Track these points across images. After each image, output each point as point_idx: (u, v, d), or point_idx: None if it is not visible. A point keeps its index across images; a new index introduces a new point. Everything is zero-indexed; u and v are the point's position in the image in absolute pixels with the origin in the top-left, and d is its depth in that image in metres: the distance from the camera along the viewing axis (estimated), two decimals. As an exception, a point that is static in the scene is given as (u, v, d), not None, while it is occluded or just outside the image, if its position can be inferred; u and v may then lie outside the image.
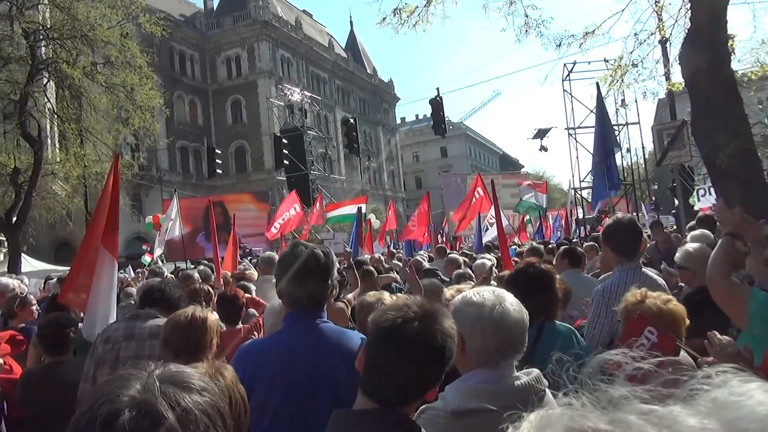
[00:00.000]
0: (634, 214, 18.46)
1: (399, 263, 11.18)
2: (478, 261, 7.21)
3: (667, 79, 10.81)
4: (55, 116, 15.74)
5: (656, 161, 14.26)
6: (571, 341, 2.74)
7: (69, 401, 3.06)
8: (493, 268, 6.56)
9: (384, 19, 9.53)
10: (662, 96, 15.42)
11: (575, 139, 20.41)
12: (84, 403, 0.80)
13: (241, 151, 50.56)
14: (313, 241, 13.74)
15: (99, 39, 14.58)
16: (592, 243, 8.93)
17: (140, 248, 14.40)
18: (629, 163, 23.55)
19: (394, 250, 17.16)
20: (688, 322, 2.46)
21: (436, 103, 21.35)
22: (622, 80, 10.19)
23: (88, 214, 18.59)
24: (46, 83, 15.26)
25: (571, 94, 20.53)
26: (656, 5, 8.87)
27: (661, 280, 3.57)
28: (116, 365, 3.21)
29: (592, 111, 15.15)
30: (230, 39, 51.18)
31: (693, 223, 7.65)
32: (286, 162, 29.11)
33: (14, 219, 13.98)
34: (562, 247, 5.92)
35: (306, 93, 39.36)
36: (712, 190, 11.11)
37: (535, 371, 1.83)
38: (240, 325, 4.63)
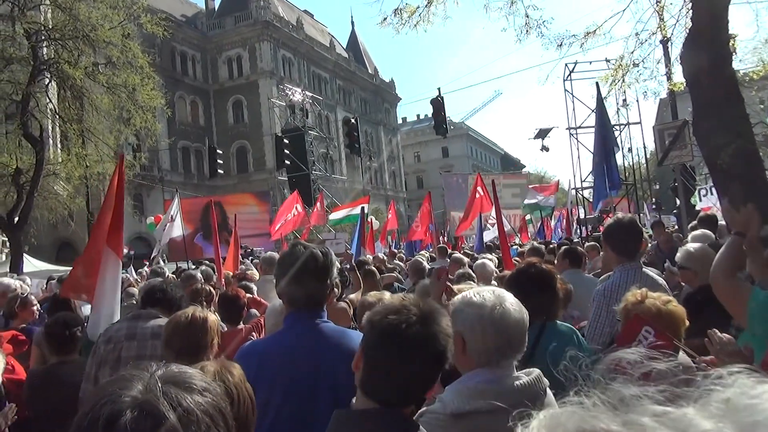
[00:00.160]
0: (636, 214, 18.47)
1: (400, 263, 11.20)
2: (479, 261, 7.20)
3: (669, 78, 10.80)
4: (57, 117, 15.76)
5: (658, 161, 14.24)
6: (572, 341, 2.74)
7: (72, 402, 3.07)
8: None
9: (385, 19, 9.53)
10: (663, 96, 15.41)
11: (576, 139, 20.39)
12: (86, 404, 0.80)
13: (243, 151, 50.61)
14: (314, 241, 13.74)
15: (100, 39, 14.59)
16: (593, 243, 8.94)
17: (142, 248, 14.43)
18: (631, 163, 23.55)
19: (395, 250, 17.18)
20: (687, 323, 2.46)
21: (438, 103, 21.35)
22: (623, 80, 10.18)
23: (90, 214, 18.62)
24: (48, 84, 15.28)
25: (572, 93, 20.52)
26: (657, 5, 8.86)
27: (661, 280, 3.57)
28: (118, 365, 3.21)
29: (593, 111, 15.14)
30: (231, 39, 51.23)
31: (694, 223, 7.64)
32: (287, 162, 29.13)
33: (16, 219, 14.00)
34: (563, 247, 5.92)
35: (307, 93, 39.40)
36: (713, 189, 11.11)
37: (536, 371, 1.84)
38: (241, 326, 4.64)
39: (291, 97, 37.51)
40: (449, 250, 11.15)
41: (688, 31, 7.15)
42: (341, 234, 20.49)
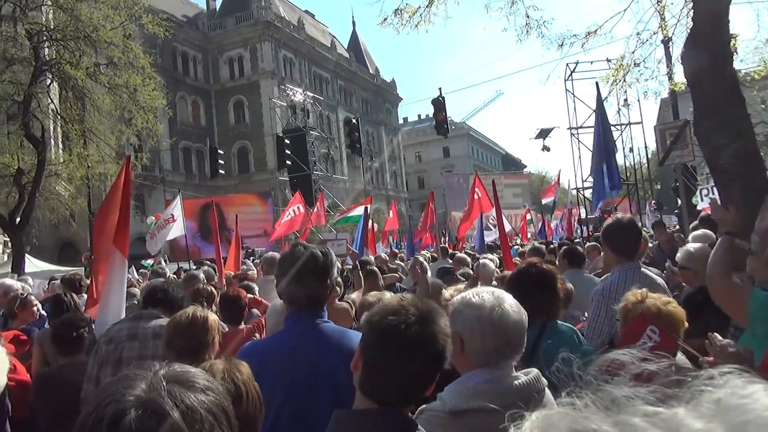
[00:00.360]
0: (637, 214, 18.45)
1: (401, 263, 11.21)
2: (480, 261, 7.21)
3: (670, 78, 10.79)
4: (59, 117, 15.77)
5: (659, 161, 14.23)
6: (573, 341, 2.75)
7: (76, 402, 3.08)
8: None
9: (385, 19, 9.52)
10: (665, 95, 15.41)
11: (578, 138, 20.40)
12: (90, 403, 0.81)
13: (244, 151, 50.64)
14: (314, 241, 13.74)
15: (102, 40, 14.60)
16: (594, 243, 8.94)
17: (143, 249, 14.42)
18: (632, 163, 23.53)
19: (396, 250, 17.19)
20: (686, 324, 2.46)
21: (439, 103, 21.34)
22: (624, 80, 10.17)
23: (92, 214, 18.62)
24: (50, 84, 15.28)
25: (573, 93, 20.53)
26: (658, 5, 8.85)
27: (660, 280, 3.58)
28: (119, 365, 3.22)
29: (594, 111, 15.14)
30: (233, 39, 51.27)
31: (695, 222, 7.64)
32: (288, 162, 29.16)
33: (18, 219, 14.01)
34: (563, 248, 5.94)
35: (308, 93, 39.43)
36: (715, 189, 11.09)
37: (534, 371, 1.84)
38: (242, 326, 4.64)
39: (292, 97, 37.54)
40: (450, 251, 11.16)
41: (689, 30, 7.14)
42: (343, 234, 20.50)
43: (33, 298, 5.65)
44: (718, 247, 2.68)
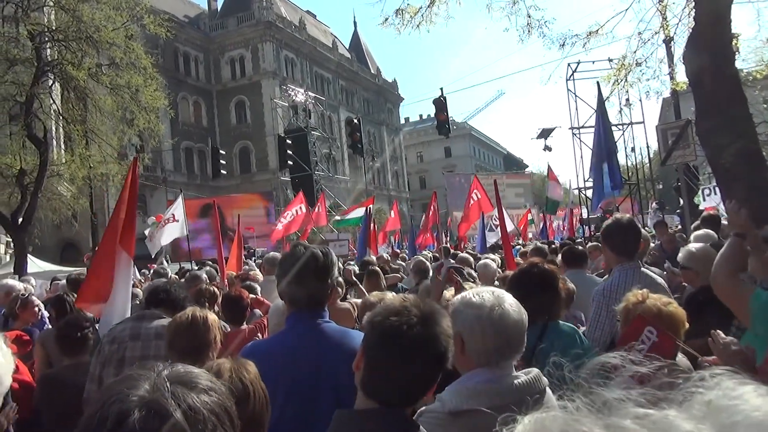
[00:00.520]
0: (639, 214, 18.44)
1: (403, 263, 11.21)
2: (482, 261, 7.21)
3: (672, 78, 10.78)
4: (61, 118, 15.80)
5: (661, 161, 14.21)
6: (574, 341, 2.75)
7: (78, 403, 3.09)
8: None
9: (387, 20, 9.51)
10: (666, 95, 15.39)
11: (579, 138, 20.38)
12: (94, 404, 0.81)
13: (246, 151, 50.68)
14: (315, 241, 13.75)
15: (104, 40, 14.61)
16: (596, 243, 8.93)
17: (145, 249, 14.42)
18: (634, 163, 23.48)
19: (398, 250, 17.19)
20: (687, 325, 2.46)
21: (440, 103, 21.33)
22: (626, 79, 10.17)
23: (93, 215, 18.67)
24: (52, 85, 15.31)
25: (575, 93, 20.52)
26: (660, 4, 8.84)
27: (660, 280, 3.57)
28: (122, 365, 3.22)
29: (595, 110, 15.12)
30: (234, 40, 51.31)
31: (697, 222, 7.63)
32: (290, 162, 29.19)
33: (20, 220, 14.03)
34: (565, 248, 5.94)
35: (310, 93, 39.45)
36: (716, 189, 11.09)
37: (535, 370, 1.84)
38: (244, 326, 4.65)
39: (294, 97, 37.58)
40: (452, 251, 11.16)
41: (690, 30, 7.14)
42: (344, 234, 20.50)
43: (35, 298, 5.66)
44: (727, 248, 2.68)
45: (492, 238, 14.08)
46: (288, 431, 2.12)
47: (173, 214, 12.23)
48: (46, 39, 14.70)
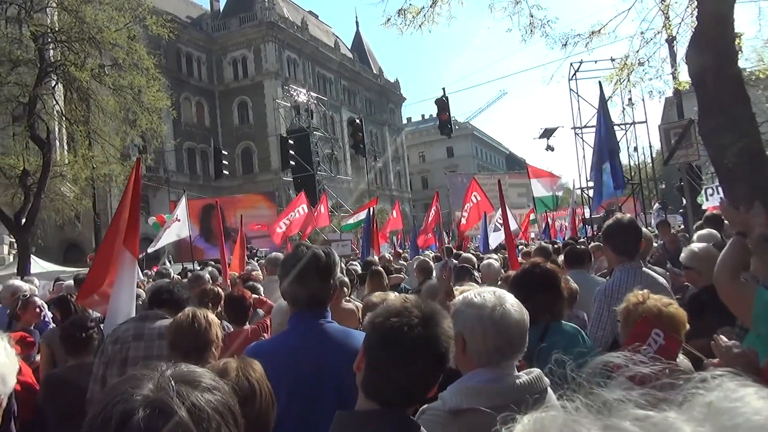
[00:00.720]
0: (642, 213, 18.39)
1: (405, 263, 11.22)
2: (485, 261, 7.21)
3: (674, 77, 10.75)
4: (64, 118, 15.83)
5: (663, 160, 14.18)
6: (577, 341, 2.75)
7: (81, 403, 3.10)
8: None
9: (389, 20, 9.51)
10: (669, 94, 15.34)
11: (582, 138, 20.31)
12: (98, 404, 0.82)
13: (248, 152, 50.72)
14: (317, 241, 13.77)
15: (106, 41, 14.64)
16: (598, 243, 8.92)
17: (148, 249, 14.48)
18: (636, 163, 23.41)
19: (401, 250, 17.20)
20: (687, 326, 2.46)
21: (442, 103, 21.31)
22: (629, 79, 10.15)
23: (96, 215, 18.71)
24: (55, 86, 15.35)
25: (577, 93, 20.45)
26: (662, 4, 8.82)
27: (662, 280, 3.57)
28: (125, 365, 3.23)
29: (597, 110, 15.08)
30: (236, 40, 51.36)
31: (700, 222, 7.62)
32: (292, 163, 29.21)
33: (23, 221, 14.06)
34: (567, 248, 5.94)
35: (312, 94, 39.48)
36: (719, 189, 11.05)
37: (536, 370, 1.85)
38: (247, 326, 4.65)
39: (296, 97, 37.61)
40: (454, 251, 11.16)
41: (693, 30, 7.13)
42: (347, 234, 20.50)
43: (37, 299, 5.65)
44: (729, 248, 2.67)
45: (498, 239, 14.08)
46: (290, 431, 2.13)
47: (177, 215, 12.27)
48: (49, 40, 14.74)
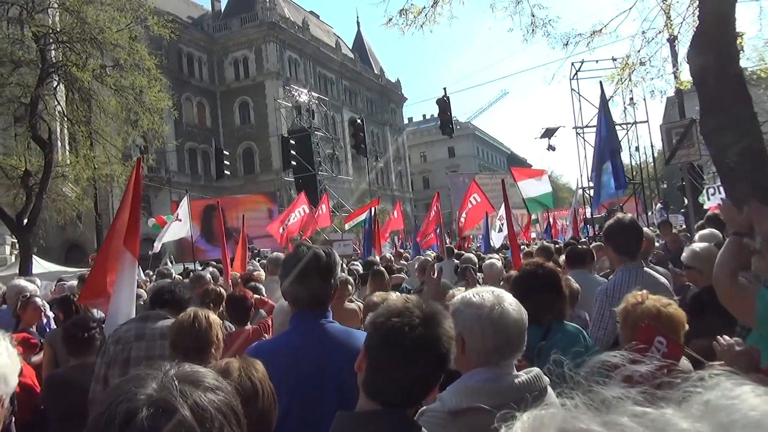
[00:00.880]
0: (644, 213, 18.38)
1: (406, 263, 11.23)
2: (487, 261, 7.22)
3: (676, 77, 10.74)
4: (65, 119, 15.84)
5: (665, 160, 14.17)
6: (579, 341, 2.75)
7: (83, 404, 3.10)
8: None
9: (390, 20, 9.52)
10: (671, 94, 15.34)
11: (583, 138, 20.31)
12: (101, 403, 0.82)
13: (249, 152, 50.74)
14: (317, 241, 13.78)
15: (108, 42, 14.65)
16: (600, 243, 8.92)
17: (149, 250, 14.49)
18: (638, 162, 23.41)
19: (402, 250, 17.20)
20: (687, 327, 2.46)
21: (443, 103, 21.31)
22: (630, 79, 10.13)
23: (98, 215, 18.72)
24: (56, 86, 15.35)
25: (578, 93, 20.45)
26: (664, 3, 8.81)
27: (663, 280, 3.56)
28: (127, 366, 3.24)
29: (598, 110, 15.07)
30: (238, 40, 51.39)
31: (702, 222, 7.61)
32: (293, 163, 29.25)
33: (25, 221, 14.07)
34: (569, 248, 5.94)
35: (313, 94, 39.51)
36: (721, 188, 11.05)
37: (536, 369, 1.85)
38: (249, 326, 4.66)
39: (297, 98, 37.64)
40: (456, 251, 11.16)
41: (694, 29, 7.12)
42: (348, 234, 20.50)
43: (37, 299, 5.63)
44: (726, 248, 2.67)
45: (501, 239, 14.09)
46: (292, 431, 2.13)
47: (179, 215, 12.28)
48: (51, 41, 14.75)
